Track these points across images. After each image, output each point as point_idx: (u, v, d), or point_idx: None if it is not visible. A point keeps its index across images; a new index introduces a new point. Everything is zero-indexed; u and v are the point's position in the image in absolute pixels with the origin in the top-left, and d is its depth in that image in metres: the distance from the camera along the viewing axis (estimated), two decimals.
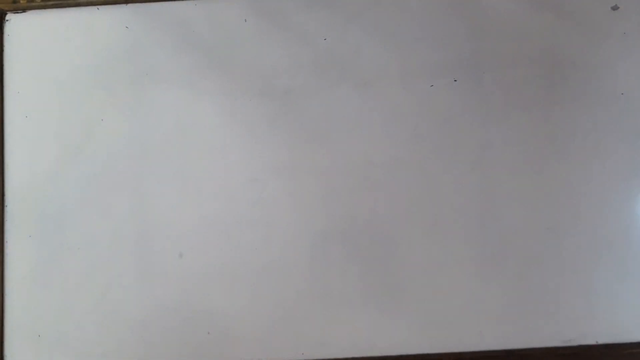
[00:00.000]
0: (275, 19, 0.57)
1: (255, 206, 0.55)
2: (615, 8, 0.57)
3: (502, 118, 0.56)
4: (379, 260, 0.55)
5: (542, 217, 0.55)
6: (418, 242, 0.55)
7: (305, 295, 0.54)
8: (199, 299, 0.55)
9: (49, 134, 0.57)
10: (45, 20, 0.58)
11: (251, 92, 0.55)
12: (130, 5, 0.58)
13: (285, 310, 0.54)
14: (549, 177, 0.56)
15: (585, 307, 0.54)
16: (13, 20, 0.58)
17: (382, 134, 0.56)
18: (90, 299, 0.55)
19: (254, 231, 0.54)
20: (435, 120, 0.56)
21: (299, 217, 0.55)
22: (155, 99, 0.57)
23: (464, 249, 0.55)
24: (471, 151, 0.56)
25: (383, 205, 0.55)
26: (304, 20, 0.57)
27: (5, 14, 0.58)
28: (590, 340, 0.54)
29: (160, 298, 0.55)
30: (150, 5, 0.58)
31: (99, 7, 0.58)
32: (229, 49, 0.56)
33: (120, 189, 0.56)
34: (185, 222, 0.55)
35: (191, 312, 0.55)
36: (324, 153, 0.56)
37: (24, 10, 0.58)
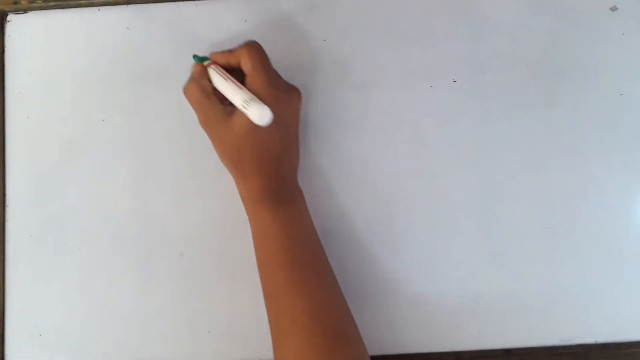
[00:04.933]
0: (275, 19, 0.57)
1: None
2: (614, 9, 0.57)
3: (502, 118, 0.56)
4: (379, 260, 0.55)
5: (541, 216, 0.55)
6: (417, 242, 0.55)
7: None
8: (199, 299, 0.55)
9: (50, 134, 0.57)
10: (47, 21, 0.58)
11: None
12: (131, 6, 0.58)
13: None
14: (549, 177, 0.56)
15: (584, 307, 0.54)
16: (14, 21, 0.58)
17: (382, 134, 0.56)
18: (91, 298, 0.55)
19: None
20: (435, 120, 0.56)
21: None
22: (156, 100, 0.57)
23: (463, 249, 0.55)
24: (471, 151, 0.56)
25: (383, 205, 0.55)
26: (304, 20, 0.57)
27: (7, 14, 0.58)
28: (589, 340, 0.54)
29: (160, 298, 0.55)
30: (151, 6, 0.58)
31: (100, 8, 0.58)
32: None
33: (121, 189, 0.56)
34: (185, 222, 0.56)
35: (191, 312, 0.55)
36: (323, 153, 0.56)
37: (25, 11, 0.58)
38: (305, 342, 0.45)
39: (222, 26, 0.57)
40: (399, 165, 0.56)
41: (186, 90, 0.51)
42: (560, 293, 0.55)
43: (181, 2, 0.58)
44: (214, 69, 0.50)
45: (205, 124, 0.51)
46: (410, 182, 0.56)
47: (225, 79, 0.49)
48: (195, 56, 0.53)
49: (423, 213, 0.55)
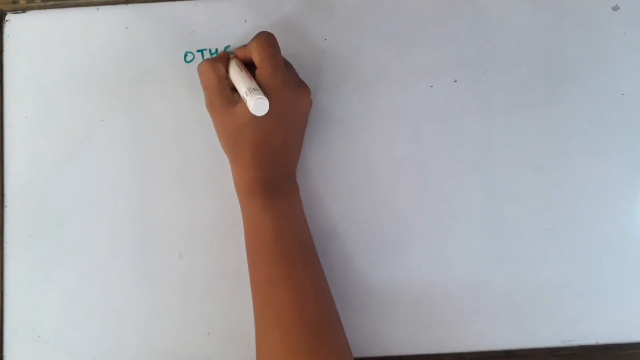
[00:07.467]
0: (275, 18, 0.57)
1: None
2: (615, 8, 0.57)
3: (502, 118, 0.56)
4: (379, 260, 0.55)
5: (542, 217, 0.55)
6: (418, 242, 0.55)
7: None
8: (198, 299, 0.55)
9: (49, 135, 0.57)
10: (45, 20, 0.58)
11: None
12: (130, 5, 0.58)
13: None
14: (549, 177, 0.56)
15: (586, 307, 0.54)
16: (13, 21, 0.58)
17: (382, 134, 0.56)
18: (90, 299, 0.55)
19: None
20: (435, 120, 0.56)
21: None
22: (155, 100, 0.57)
23: (463, 249, 0.55)
24: (471, 151, 0.56)
25: (383, 205, 0.55)
26: (304, 19, 0.57)
27: (5, 14, 0.58)
28: (590, 341, 0.54)
29: (160, 298, 0.55)
30: (151, 6, 0.58)
31: (98, 7, 0.58)
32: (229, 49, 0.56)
33: (121, 189, 0.56)
34: (185, 222, 0.55)
35: (190, 313, 0.55)
36: (323, 153, 0.56)
37: (23, 10, 0.58)
38: (286, 334, 0.46)
39: (222, 26, 0.57)
40: (399, 165, 0.56)
41: (200, 67, 0.51)
42: (561, 294, 0.54)
43: (181, 2, 0.57)
44: (235, 61, 0.51)
45: (210, 106, 0.51)
46: (410, 182, 0.55)
47: (240, 70, 0.49)
48: (225, 48, 0.55)
49: (423, 213, 0.55)
